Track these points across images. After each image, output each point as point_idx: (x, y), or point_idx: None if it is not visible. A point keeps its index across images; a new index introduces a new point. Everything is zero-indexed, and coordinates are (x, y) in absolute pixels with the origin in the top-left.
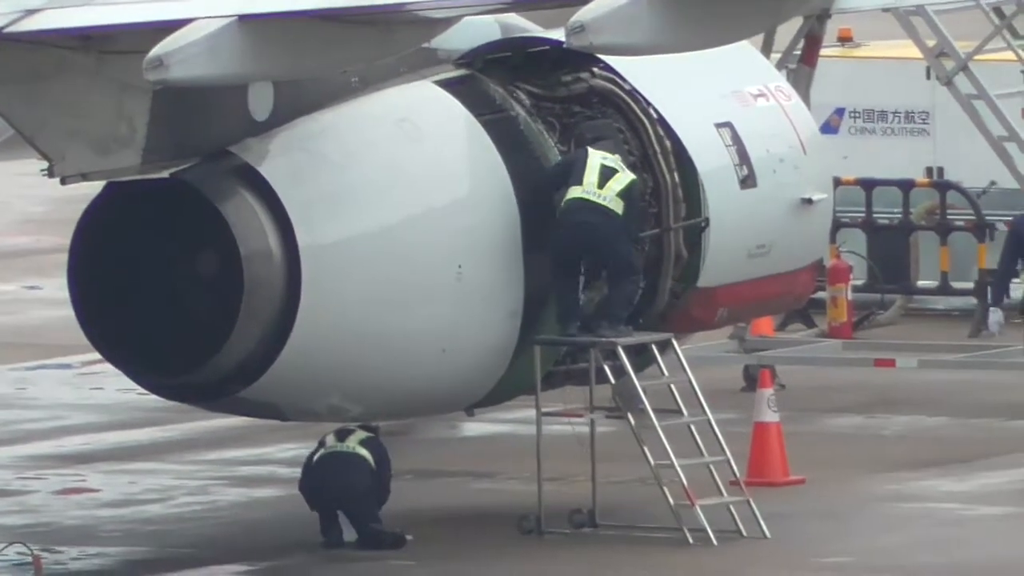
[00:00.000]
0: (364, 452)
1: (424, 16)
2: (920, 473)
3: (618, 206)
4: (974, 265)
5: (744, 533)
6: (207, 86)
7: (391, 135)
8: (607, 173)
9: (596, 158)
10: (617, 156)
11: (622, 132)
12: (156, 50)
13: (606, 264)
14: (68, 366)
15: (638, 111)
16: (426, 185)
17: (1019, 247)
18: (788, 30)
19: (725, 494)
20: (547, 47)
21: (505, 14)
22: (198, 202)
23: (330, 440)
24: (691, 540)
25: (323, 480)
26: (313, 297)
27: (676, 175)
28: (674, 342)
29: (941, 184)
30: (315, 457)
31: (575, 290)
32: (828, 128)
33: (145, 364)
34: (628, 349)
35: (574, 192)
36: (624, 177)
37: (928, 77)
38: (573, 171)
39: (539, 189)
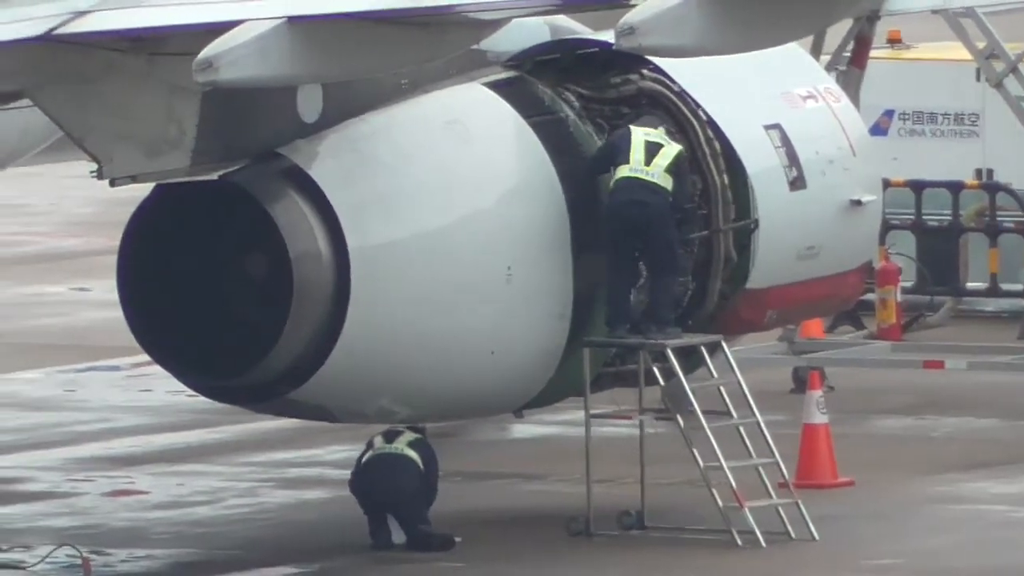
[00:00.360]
0: (412, 453)
1: (473, 18)
2: (969, 475)
3: (667, 182)
4: (1023, 267)
5: (793, 535)
6: (256, 88)
7: (440, 137)
8: (652, 149)
9: (639, 135)
10: (660, 129)
11: (671, 133)
12: (206, 52)
13: (651, 249)
14: (117, 368)
15: (687, 113)
16: (475, 187)
17: None
18: (838, 32)
19: (774, 496)
20: (596, 49)
21: (554, 16)
22: (247, 204)
23: (378, 442)
24: (740, 542)
25: (372, 482)
26: (362, 299)
27: (725, 177)
28: (723, 344)
29: (990, 186)
30: (363, 459)
31: (628, 288)
32: (877, 130)
33: (194, 366)
34: (677, 351)
35: (621, 171)
36: (670, 150)
37: (978, 79)
38: (618, 151)
39: (586, 176)
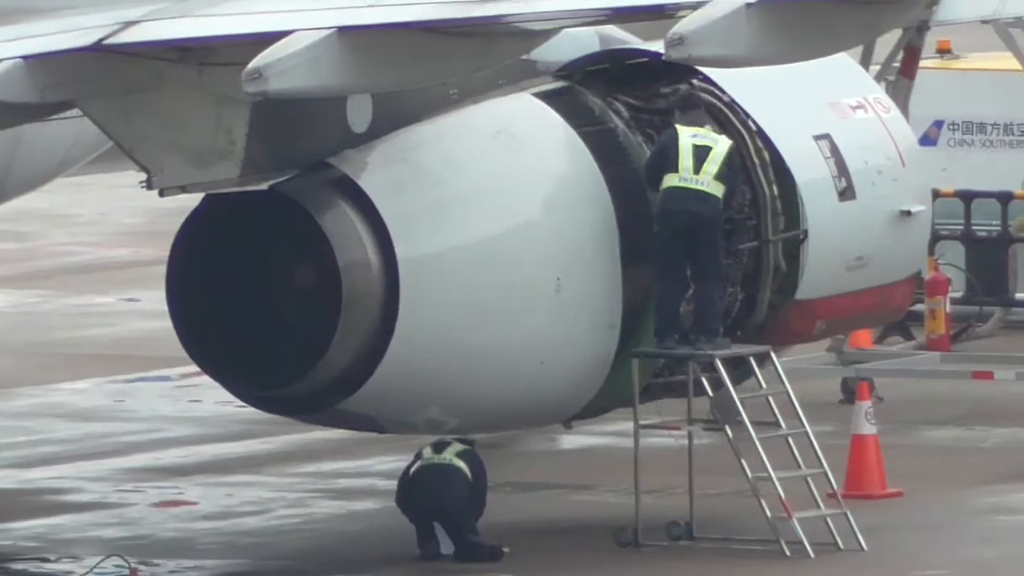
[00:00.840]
0: (461, 464)
1: (523, 28)
2: (1019, 486)
3: (717, 189)
4: None
5: (841, 546)
6: (306, 98)
7: (489, 147)
8: (701, 153)
9: (686, 137)
10: (707, 127)
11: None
12: (255, 62)
13: (698, 258)
14: (166, 378)
15: (737, 123)
16: (524, 197)
17: None
18: (887, 42)
19: (822, 507)
20: (646, 59)
21: (604, 26)
22: (297, 214)
23: (427, 452)
24: (788, 553)
25: (420, 492)
26: (411, 309)
27: (775, 187)
28: (772, 354)
29: None
30: (412, 469)
31: (678, 298)
32: (927, 140)
33: (243, 376)
34: (726, 361)
35: (670, 180)
36: (720, 151)
37: None
38: (667, 157)
39: (645, 187)
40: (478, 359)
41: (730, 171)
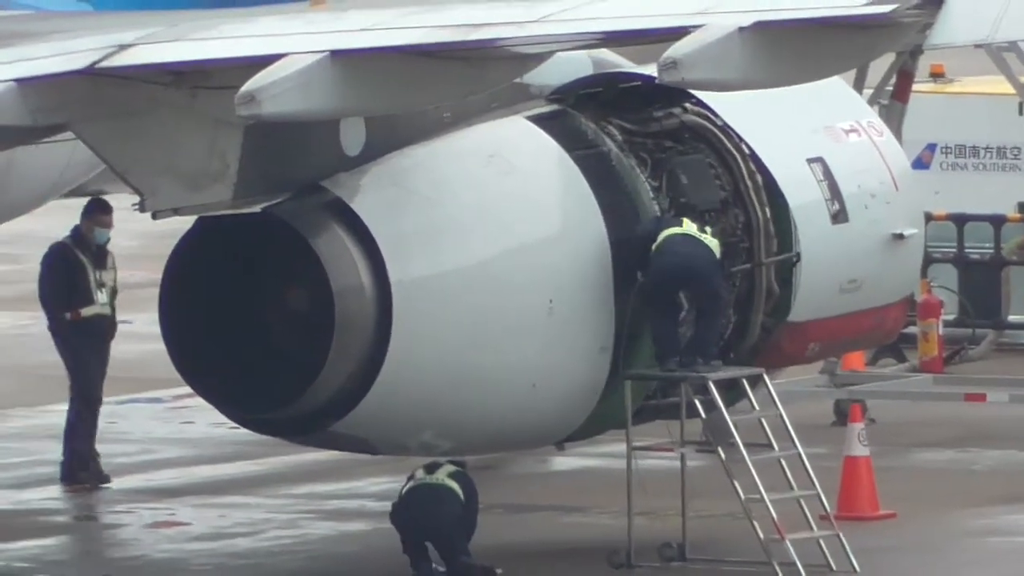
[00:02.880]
0: (453, 485)
1: (516, 52)
2: (1012, 508)
3: (714, 245)
4: None
5: (834, 567)
6: (299, 121)
7: (483, 170)
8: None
9: (686, 225)
10: (694, 226)
11: (713, 167)
12: (248, 86)
13: (698, 297)
14: (159, 400)
15: (730, 146)
16: (517, 220)
17: None
18: (880, 66)
19: (815, 528)
20: (639, 82)
21: (597, 49)
22: (290, 237)
23: (420, 473)
24: (781, 574)
25: (413, 512)
26: (404, 332)
27: (768, 210)
28: (765, 377)
29: None
30: (404, 490)
31: (673, 324)
32: (920, 164)
33: (236, 398)
34: (719, 383)
35: (667, 232)
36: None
37: (1020, 113)
38: (662, 224)
39: (632, 211)
40: (471, 381)
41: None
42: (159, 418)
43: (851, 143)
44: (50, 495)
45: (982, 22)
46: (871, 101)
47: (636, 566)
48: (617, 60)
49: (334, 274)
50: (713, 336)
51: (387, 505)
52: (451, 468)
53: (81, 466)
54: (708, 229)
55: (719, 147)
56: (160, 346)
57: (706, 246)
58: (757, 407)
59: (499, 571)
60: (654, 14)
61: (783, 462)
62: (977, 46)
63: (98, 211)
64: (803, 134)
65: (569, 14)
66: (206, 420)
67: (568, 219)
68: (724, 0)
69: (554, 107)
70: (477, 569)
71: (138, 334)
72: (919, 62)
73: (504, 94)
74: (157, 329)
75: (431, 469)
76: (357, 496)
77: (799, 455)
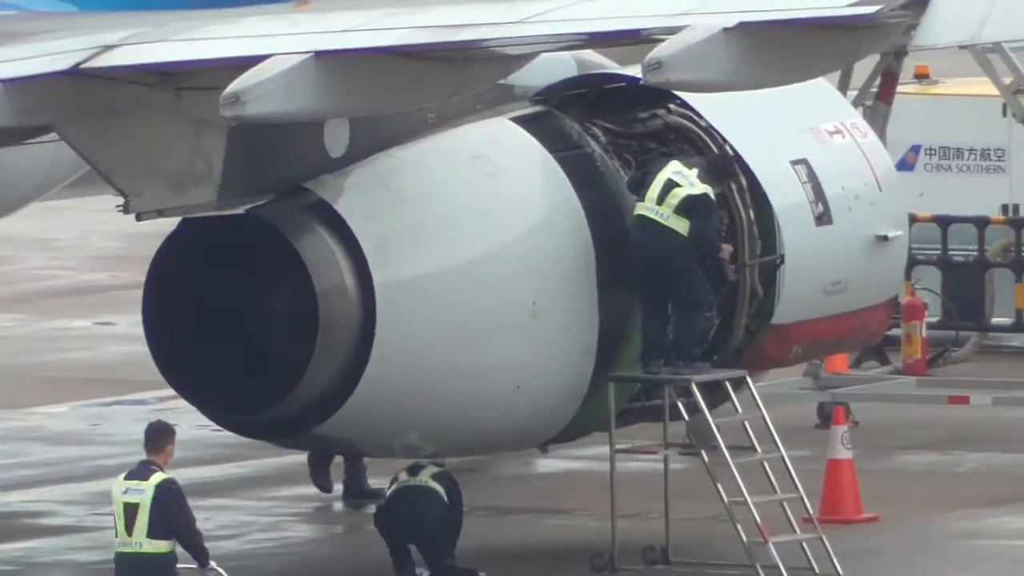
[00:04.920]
0: (436, 486)
1: (500, 53)
2: (994, 510)
3: (678, 224)
4: None
5: (817, 570)
6: (283, 122)
7: (467, 171)
8: (669, 186)
9: (668, 171)
10: (694, 171)
11: (706, 175)
12: (233, 86)
13: (670, 286)
14: (143, 402)
15: (714, 148)
16: (501, 221)
17: None
18: (865, 67)
19: (798, 531)
20: (624, 83)
21: (582, 51)
22: (274, 238)
23: (403, 476)
24: None
25: (397, 514)
26: (388, 334)
27: (751, 212)
28: (748, 379)
29: (1016, 221)
30: (388, 493)
31: (659, 324)
32: (904, 165)
33: (219, 400)
34: (702, 386)
35: (638, 209)
36: (680, 192)
37: (1004, 114)
38: (644, 182)
39: (616, 212)
40: (454, 383)
41: (695, 215)
42: (143, 420)
43: (835, 145)
44: (32, 498)
45: (966, 23)
46: (855, 102)
47: (619, 569)
48: (601, 61)
49: (318, 276)
50: (691, 335)
51: (371, 508)
52: (434, 469)
53: None
54: (687, 177)
55: (703, 148)
56: (144, 348)
57: (672, 232)
58: (740, 409)
59: (482, 574)
60: (638, 15)
61: (766, 465)
62: (961, 47)
63: None
64: (787, 135)
65: (553, 15)
66: (189, 422)
67: (552, 220)
68: (708, 1)
69: (538, 108)
70: (461, 572)
71: (122, 336)
72: (903, 63)
73: (488, 95)
74: (141, 331)
75: (414, 471)
76: (341, 498)
77: (782, 458)
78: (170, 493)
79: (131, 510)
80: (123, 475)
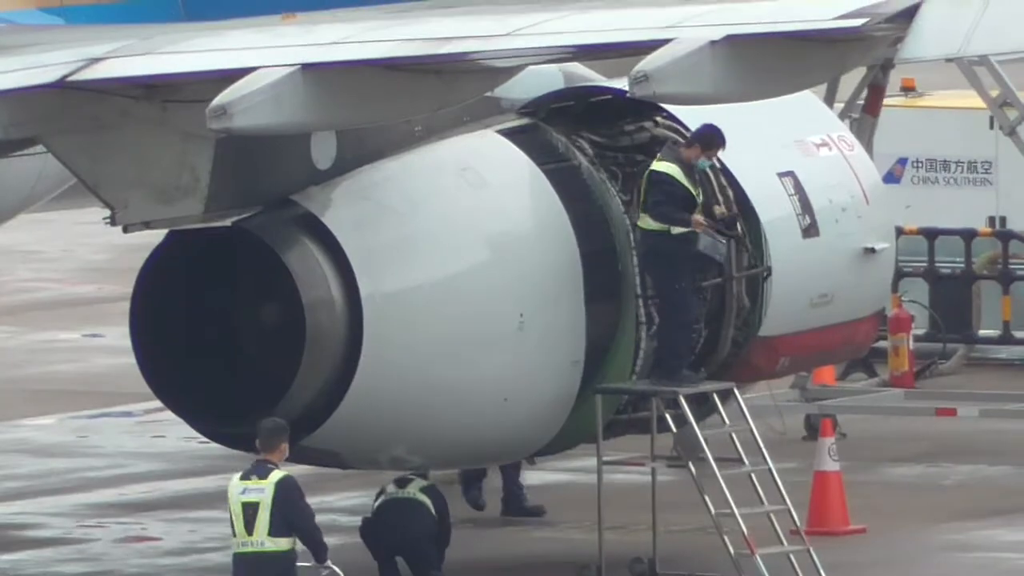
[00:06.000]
0: (424, 498)
1: (487, 65)
2: (982, 523)
3: (648, 223)
4: None
5: None
6: (270, 135)
7: (454, 184)
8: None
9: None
10: (663, 161)
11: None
12: (219, 99)
13: (655, 294)
14: (130, 414)
15: None
16: (488, 234)
17: None
18: (851, 80)
19: (785, 543)
20: (610, 96)
21: (568, 63)
22: (261, 251)
23: (391, 488)
24: None
25: (385, 527)
26: (375, 346)
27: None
28: (736, 391)
29: (1003, 233)
30: (376, 505)
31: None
32: (891, 178)
33: (206, 412)
34: (690, 398)
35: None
36: (645, 180)
37: (991, 127)
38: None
39: (603, 225)
40: (441, 395)
41: (648, 194)
42: (130, 432)
43: (822, 157)
44: (19, 510)
45: (953, 36)
46: (842, 115)
47: None
48: (588, 74)
49: (305, 288)
50: (670, 348)
51: (358, 520)
52: (422, 483)
53: None
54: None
55: None
56: (131, 360)
57: (648, 233)
58: (728, 422)
59: None
60: (625, 28)
61: (753, 477)
62: (948, 60)
63: None
64: (774, 148)
65: (540, 27)
66: (177, 434)
67: (539, 233)
68: (695, 14)
69: (525, 121)
70: None
71: (109, 348)
72: (890, 76)
73: (475, 108)
74: (128, 343)
75: (402, 484)
76: (327, 511)
77: (769, 470)
78: (290, 490)
79: (250, 509)
80: (238, 476)
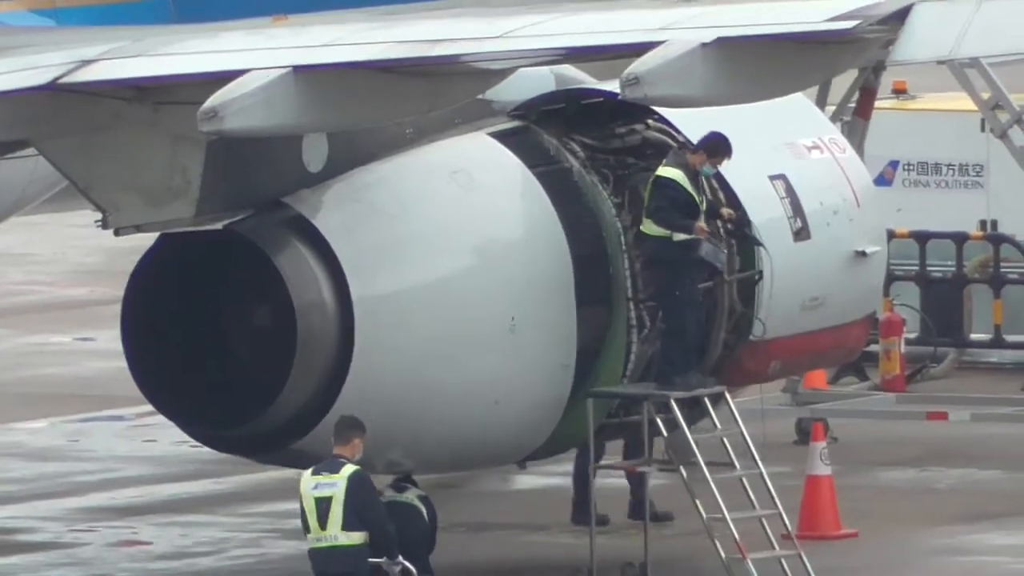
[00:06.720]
0: (420, 505)
1: (478, 68)
2: (973, 527)
3: (650, 228)
4: None
5: None
6: (261, 137)
7: (445, 187)
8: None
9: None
10: (668, 166)
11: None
12: (211, 101)
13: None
14: (121, 418)
15: None
16: (479, 237)
17: None
18: (843, 82)
19: (777, 547)
20: (601, 98)
21: (560, 65)
22: (252, 254)
23: (389, 492)
24: None
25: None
26: (366, 349)
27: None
28: (727, 395)
29: (995, 237)
30: None
31: (664, 337)
32: (882, 180)
33: (198, 416)
34: (681, 402)
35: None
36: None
37: (982, 129)
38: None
39: (595, 228)
40: (432, 399)
41: (651, 199)
42: (121, 436)
43: (813, 160)
44: (10, 514)
45: (944, 39)
46: (834, 118)
47: None
48: (579, 76)
49: (296, 291)
50: (665, 354)
51: None
52: (418, 491)
53: None
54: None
55: None
56: (122, 363)
57: (651, 240)
58: (719, 425)
59: None
60: (616, 30)
61: (745, 481)
62: (939, 63)
63: None
64: (765, 151)
65: (531, 30)
66: (168, 438)
67: (530, 236)
68: (686, 16)
69: (516, 123)
70: None
71: (100, 351)
72: (881, 78)
73: (466, 110)
74: (119, 346)
75: (400, 488)
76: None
77: (761, 474)
78: (362, 484)
79: (323, 504)
80: (310, 471)
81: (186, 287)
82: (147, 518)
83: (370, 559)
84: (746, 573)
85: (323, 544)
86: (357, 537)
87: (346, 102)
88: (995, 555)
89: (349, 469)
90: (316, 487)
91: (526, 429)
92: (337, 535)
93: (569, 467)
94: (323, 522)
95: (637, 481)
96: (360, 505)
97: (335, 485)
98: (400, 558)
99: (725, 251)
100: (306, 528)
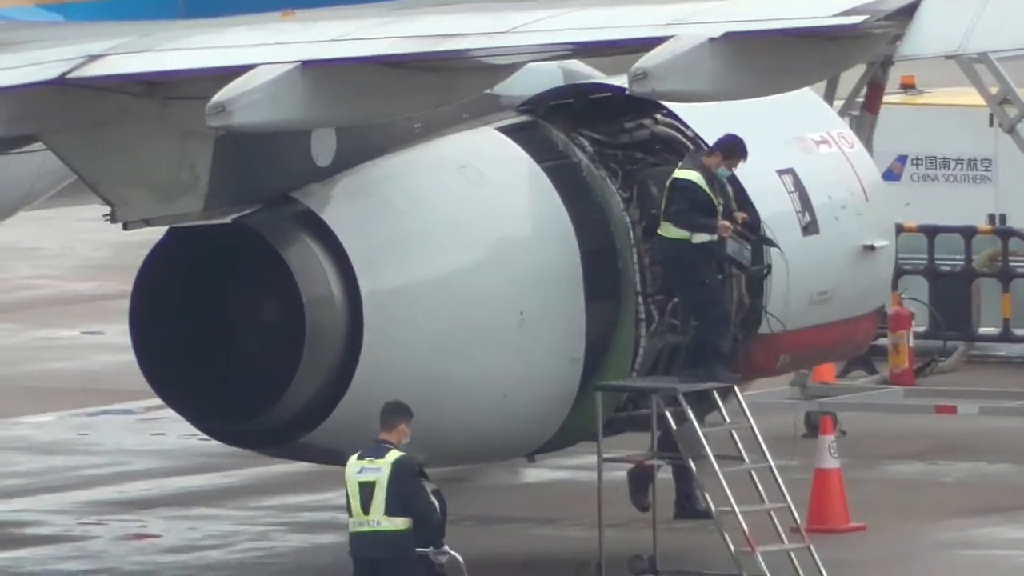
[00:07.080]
0: (434, 499)
1: (487, 63)
2: (982, 520)
3: (668, 231)
4: None
5: None
6: (270, 132)
7: (453, 181)
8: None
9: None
10: (685, 169)
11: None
12: (219, 96)
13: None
14: (130, 412)
15: None
16: (488, 231)
17: None
18: (851, 77)
19: (786, 541)
20: (610, 93)
21: (568, 60)
22: (261, 248)
23: None
24: None
25: None
26: (375, 343)
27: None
28: (736, 388)
29: (1003, 231)
30: None
31: (694, 333)
32: (890, 175)
33: (206, 410)
34: (690, 395)
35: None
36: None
37: (991, 124)
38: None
39: (603, 222)
40: (441, 393)
41: (670, 203)
42: (130, 430)
43: (822, 154)
44: (19, 507)
45: (952, 33)
46: (842, 112)
47: None
48: (588, 71)
49: (305, 285)
50: (695, 350)
51: None
52: (431, 484)
53: None
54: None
55: None
56: (131, 357)
57: (670, 242)
58: (728, 419)
59: None
60: (624, 25)
61: (754, 474)
62: (948, 57)
63: None
64: (774, 145)
65: (539, 25)
66: (177, 432)
67: (539, 230)
68: (694, 11)
69: (524, 118)
70: None
71: (109, 345)
72: (889, 73)
73: (475, 105)
74: (128, 340)
75: None
76: (328, 508)
77: (770, 467)
78: (406, 470)
79: (367, 489)
80: (355, 456)
81: (195, 281)
82: (156, 511)
83: (418, 549)
84: (755, 566)
85: (365, 528)
86: (400, 523)
87: (354, 97)
88: (1004, 548)
89: (394, 455)
90: (360, 471)
91: (535, 423)
92: (380, 520)
93: (579, 460)
94: (366, 507)
95: (678, 476)
96: (403, 491)
97: (379, 470)
98: (446, 547)
99: (749, 248)
100: (350, 512)
